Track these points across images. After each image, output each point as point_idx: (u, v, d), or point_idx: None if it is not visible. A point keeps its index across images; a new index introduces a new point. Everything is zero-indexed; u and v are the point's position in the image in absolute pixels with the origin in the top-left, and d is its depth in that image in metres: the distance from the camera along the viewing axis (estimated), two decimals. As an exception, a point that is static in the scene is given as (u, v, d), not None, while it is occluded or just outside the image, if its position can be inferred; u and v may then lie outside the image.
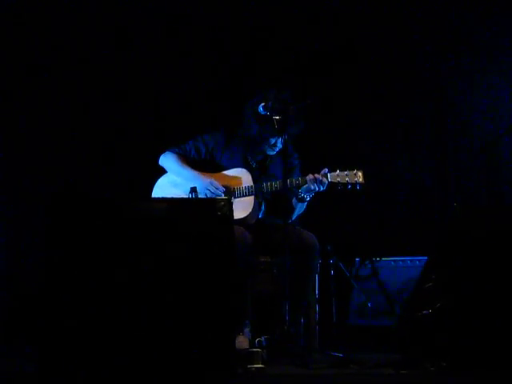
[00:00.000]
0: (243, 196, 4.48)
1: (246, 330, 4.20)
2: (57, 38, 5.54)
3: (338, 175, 4.39)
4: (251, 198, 4.48)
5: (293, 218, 4.55)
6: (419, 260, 5.30)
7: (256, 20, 5.69)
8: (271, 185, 4.44)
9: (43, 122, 5.53)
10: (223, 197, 4.37)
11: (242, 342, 4.10)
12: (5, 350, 4.71)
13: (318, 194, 4.42)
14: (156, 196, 4.62)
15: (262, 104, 4.38)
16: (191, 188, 4.52)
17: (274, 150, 4.58)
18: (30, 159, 5.51)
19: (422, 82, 5.77)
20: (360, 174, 4.39)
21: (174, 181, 4.64)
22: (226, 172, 4.58)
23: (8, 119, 5.51)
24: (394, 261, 5.45)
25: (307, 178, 4.37)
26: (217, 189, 4.47)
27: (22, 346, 4.63)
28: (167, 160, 4.67)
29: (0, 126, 5.52)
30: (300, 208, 4.56)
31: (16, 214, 5.47)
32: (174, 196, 4.55)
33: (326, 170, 4.39)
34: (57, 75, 5.55)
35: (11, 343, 4.96)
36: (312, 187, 4.36)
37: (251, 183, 4.49)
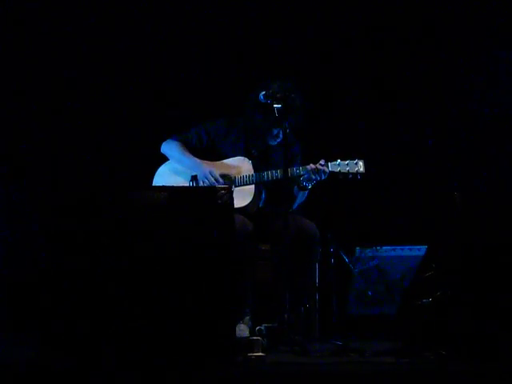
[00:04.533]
0: (244, 184, 4.48)
1: (247, 318, 4.22)
2: (57, 29, 5.52)
3: (338, 164, 4.38)
4: (252, 187, 4.48)
5: (294, 207, 4.54)
6: (419, 248, 5.31)
7: (260, 7, 5.68)
8: (272, 173, 4.44)
9: (41, 112, 5.50)
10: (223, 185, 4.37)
11: (243, 330, 4.12)
12: (5, 337, 4.72)
13: (318, 182, 4.42)
14: (157, 184, 4.62)
15: (263, 92, 4.36)
16: (192, 176, 4.53)
17: (275, 141, 4.57)
18: (27, 149, 5.49)
19: (418, 71, 5.75)
20: (361, 163, 4.38)
21: (175, 169, 4.64)
22: (227, 160, 4.58)
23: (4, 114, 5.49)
24: (395, 249, 5.45)
25: (308, 167, 4.36)
26: (215, 180, 4.46)
27: (22, 333, 4.63)
28: (169, 147, 4.66)
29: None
30: (301, 197, 4.55)
31: (15, 202, 5.45)
32: (175, 184, 4.55)
33: (322, 161, 4.37)
34: (55, 62, 5.53)
35: (11, 330, 4.96)
36: (313, 177, 4.35)
37: (252, 172, 4.49)
